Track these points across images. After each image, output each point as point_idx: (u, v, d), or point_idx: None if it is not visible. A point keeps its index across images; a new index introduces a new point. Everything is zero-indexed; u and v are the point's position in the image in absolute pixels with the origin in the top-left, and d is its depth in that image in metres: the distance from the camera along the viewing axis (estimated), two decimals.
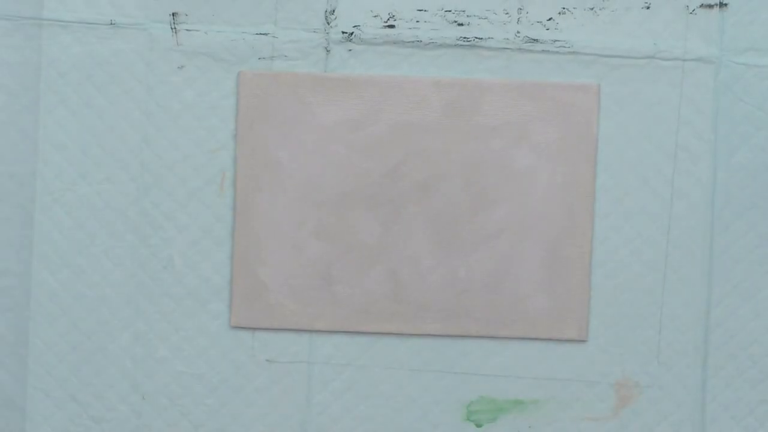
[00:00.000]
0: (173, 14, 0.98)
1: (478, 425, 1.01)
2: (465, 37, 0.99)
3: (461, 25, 0.99)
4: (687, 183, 1.00)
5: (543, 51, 0.99)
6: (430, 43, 0.99)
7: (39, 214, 0.99)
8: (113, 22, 0.98)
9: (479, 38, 0.99)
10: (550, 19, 0.99)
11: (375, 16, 0.99)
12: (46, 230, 0.99)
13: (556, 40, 0.99)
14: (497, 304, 0.99)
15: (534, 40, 0.98)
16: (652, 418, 1.01)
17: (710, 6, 0.98)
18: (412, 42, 0.99)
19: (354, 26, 0.98)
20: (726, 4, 0.98)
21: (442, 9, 0.99)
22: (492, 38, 0.99)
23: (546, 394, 1.01)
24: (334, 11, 0.98)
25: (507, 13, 0.99)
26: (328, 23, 0.99)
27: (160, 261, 1.00)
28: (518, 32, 0.98)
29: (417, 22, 0.99)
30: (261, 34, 0.99)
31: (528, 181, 0.99)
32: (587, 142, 0.99)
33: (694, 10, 0.98)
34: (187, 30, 0.98)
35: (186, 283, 1.00)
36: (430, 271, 0.99)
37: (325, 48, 0.99)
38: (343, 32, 0.99)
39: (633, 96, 0.99)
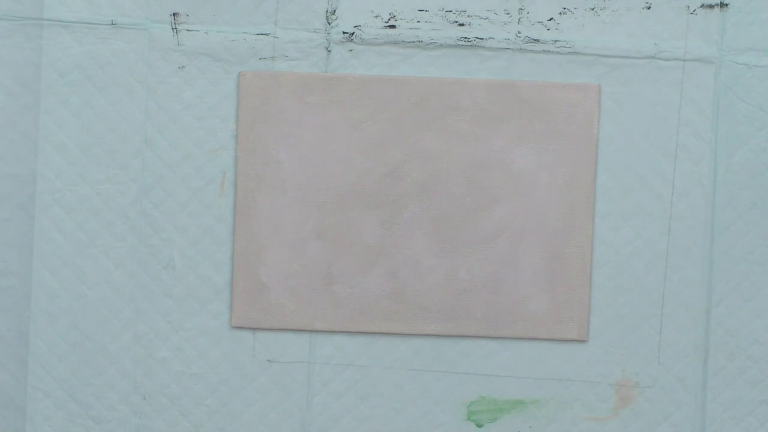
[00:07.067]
0: (174, 14, 0.98)
1: (479, 425, 1.01)
2: (466, 38, 0.99)
3: (462, 25, 0.99)
4: (687, 183, 1.00)
5: (543, 51, 0.99)
6: (430, 43, 0.99)
7: (39, 215, 0.99)
8: (114, 22, 0.98)
9: (480, 38, 0.99)
10: (550, 19, 0.99)
11: (376, 17, 0.99)
12: (46, 230, 0.99)
13: (556, 41, 0.99)
14: (497, 304, 0.99)
15: (535, 40, 0.99)
16: (652, 418, 1.01)
17: (711, 6, 0.98)
18: (413, 42, 0.99)
19: (355, 26, 0.98)
20: (726, 5, 0.98)
21: (443, 9, 0.99)
22: (493, 38, 0.99)
23: (546, 394, 1.01)
24: (334, 11, 0.98)
25: (508, 14, 0.99)
26: (329, 23, 0.99)
27: (160, 261, 1.00)
28: (519, 32, 0.99)
29: (418, 22, 0.99)
30: (262, 34, 0.99)
31: (528, 181, 0.99)
32: (587, 142, 0.99)
33: (694, 11, 0.98)
34: (187, 30, 0.98)
35: (186, 284, 1.00)
36: (430, 271, 0.99)
37: (326, 48, 0.99)
38: (343, 32, 0.99)
39: (633, 96, 0.99)
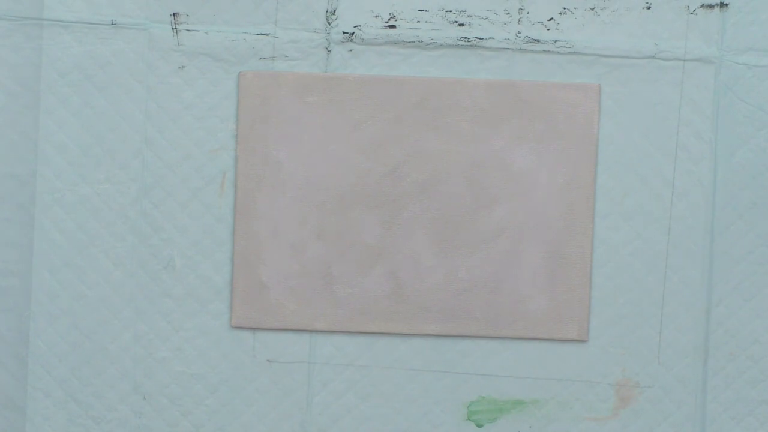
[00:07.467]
0: (174, 14, 0.98)
1: (479, 425, 1.01)
2: (466, 38, 0.99)
3: (462, 25, 0.99)
4: (687, 183, 1.00)
5: (543, 51, 0.99)
6: (430, 43, 0.99)
7: (39, 215, 0.99)
8: (114, 22, 0.98)
9: (480, 38, 0.99)
10: (550, 19, 0.99)
11: (376, 17, 0.99)
12: (46, 230, 0.99)
13: (556, 41, 0.99)
14: (497, 304, 0.99)
15: (535, 40, 0.99)
16: (652, 418, 1.01)
17: (711, 6, 0.98)
18: (413, 42, 0.99)
19: (355, 26, 0.98)
20: (726, 5, 0.98)
21: (443, 9, 0.99)
22: (493, 38, 0.99)
23: (546, 394, 1.01)
24: (334, 11, 0.98)
25: (508, 13, 0.99)
26: (329, 23, 0.99)
27: (160, 261, 1.00)
28: (519, 32, 0.99)
29: (418, 22, 0.99)
30: (262, 34, 0.99)
31: (528, 181, 0.99)
32: (587, 142, 0.99)
33: (694, 11, 0.98)
34: (187, 30, 0.98)
35: (186, 284, 1.00)
36: (430, 271, 0.99)
37: (326, 48, 0.99)
38: (343, 32, 0.99)
39: (633, 96, 0.99)
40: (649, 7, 0.99)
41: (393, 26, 0.99)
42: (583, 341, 1.00)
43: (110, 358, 1.00)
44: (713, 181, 1.00)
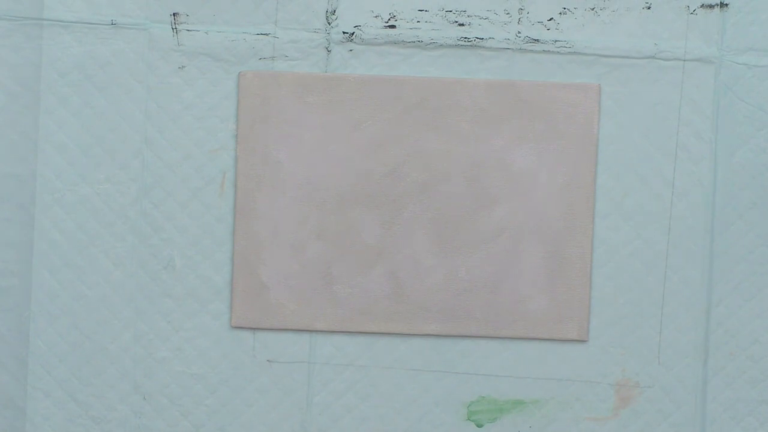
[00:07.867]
0: (174, 14, 0.98)
1: (479, 425, 1.01)
2: (466, 38, 0.99)
3: (462, 25, 0.99)
4: (687, 183, 1.00)
5: (544, 51, 0.99)
6: (430, 43, 0.99)
7: (39, 215, 0.99)
8: (114, 22, 0.98)
9: (480, 38, 0.99)
10: (550, 19, 0.99)
11: (376, 17, 0.99)
12: (46, 230, 0.99)
13: (556, 41, 0.99)
14: (497, 304, 0.99)
15: (535, 40, 0.99)
16: (652, 418, 1.01)
17: (711, 6, 0.98)
18: (413, 42, 0.99)
19: (355, 26, 0.98)
20: (726, 5, 0.98)
21: (443, 9, 0.99)
22: (493, 38, 0.99)
23: (546, 394, 1.01)
24: (334, 11, 0.98)
25: (508, 13, 0.99)
26: (329, 23, 0.99)
27: (160, 261, 1.00)
28: (519, 32, 0.99)
29: (418, 22, 0.99)
30: (261, 34, 0.99)
31: (528, 181, 0.99)
32: (587, 142, 0.99)
33: (694, 11, 0.98)
34: (187, 30, 0.98)
35: (186, 284, 1.00)
36: (430, 271, 0.99)
37: (326, 48, 0.99)
38: (343, 32, 0.99)
39: (633, 96, 0.99)
40: (649, 7, 0.99)
41: (393, 26, 0.99)
42: (583, 341, 1.00)
43: (110, 358, 1.00)
44: (713, 181, 1.00)
